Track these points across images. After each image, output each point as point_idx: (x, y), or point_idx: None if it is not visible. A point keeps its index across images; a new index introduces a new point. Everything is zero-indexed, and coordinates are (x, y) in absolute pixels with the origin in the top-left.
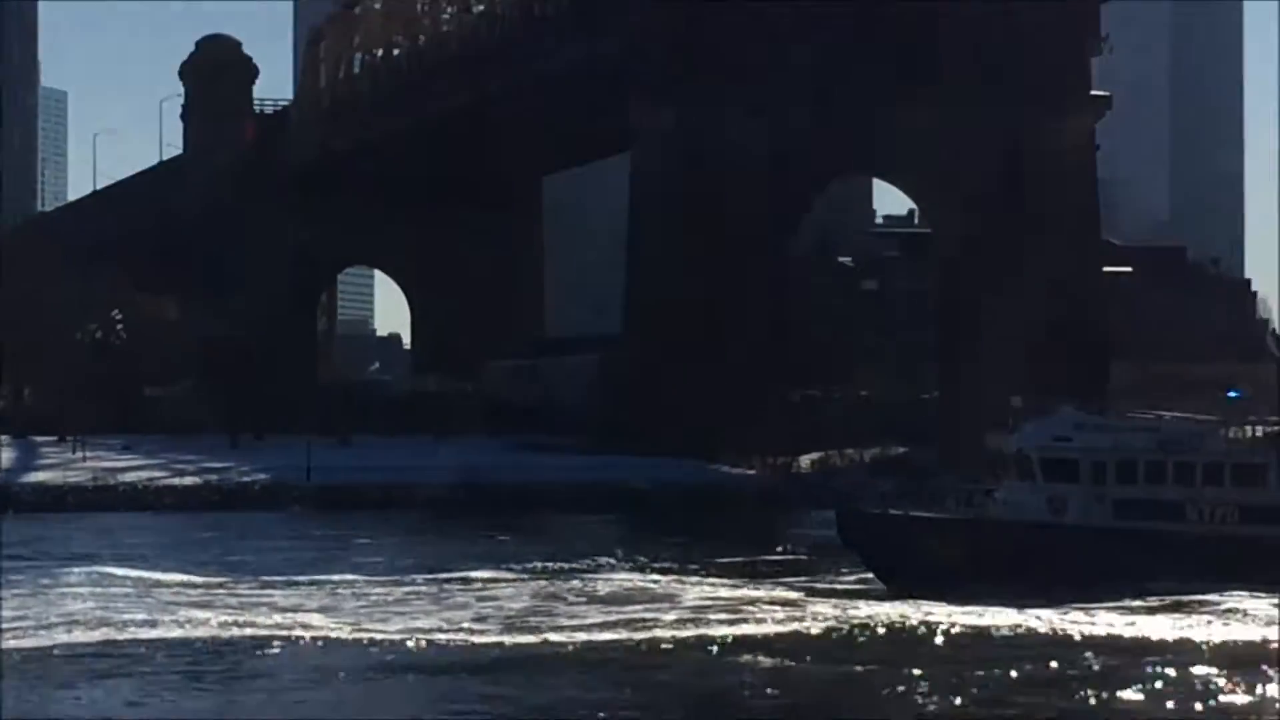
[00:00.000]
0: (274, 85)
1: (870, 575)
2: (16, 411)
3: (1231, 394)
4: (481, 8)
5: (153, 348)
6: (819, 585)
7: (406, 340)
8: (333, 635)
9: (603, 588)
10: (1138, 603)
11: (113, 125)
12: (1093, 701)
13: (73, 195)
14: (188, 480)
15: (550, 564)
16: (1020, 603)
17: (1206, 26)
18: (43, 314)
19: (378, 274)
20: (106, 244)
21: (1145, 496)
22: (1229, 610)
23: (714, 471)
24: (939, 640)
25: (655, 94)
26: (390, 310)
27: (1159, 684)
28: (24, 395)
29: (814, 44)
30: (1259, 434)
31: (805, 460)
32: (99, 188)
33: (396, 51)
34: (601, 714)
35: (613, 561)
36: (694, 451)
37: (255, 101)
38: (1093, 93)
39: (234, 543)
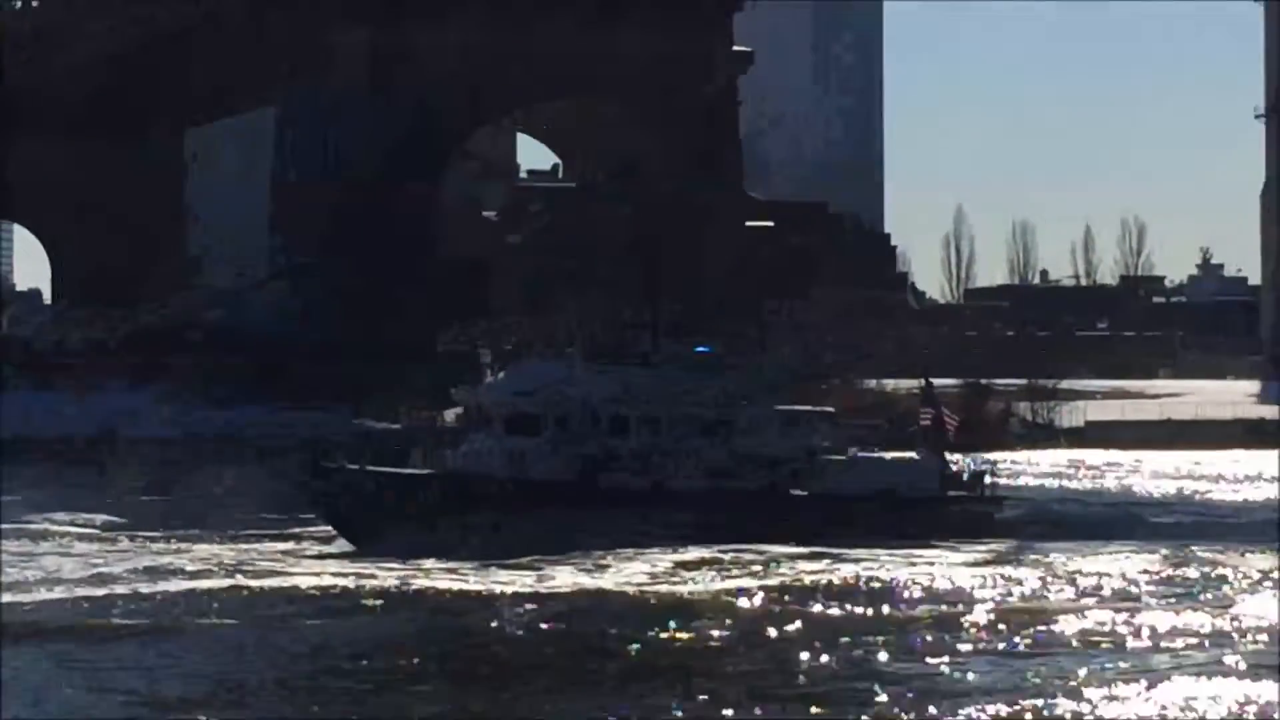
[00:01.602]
0: None
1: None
2: None
3: (700, 349)
4: None
5: None
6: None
7: (47, 294)
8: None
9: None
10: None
11: None
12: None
13: None
14: None
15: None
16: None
17: None
18: None
19: (17, 227)
20: None
21: (609, 451)
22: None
23: (357, 425)
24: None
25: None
26: (30, 264)
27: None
28: None
29: None
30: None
31: (450, 414)
32: None
33: None
34: None
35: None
36: (348, 403)
37: None
38: (735, 48)
39: None
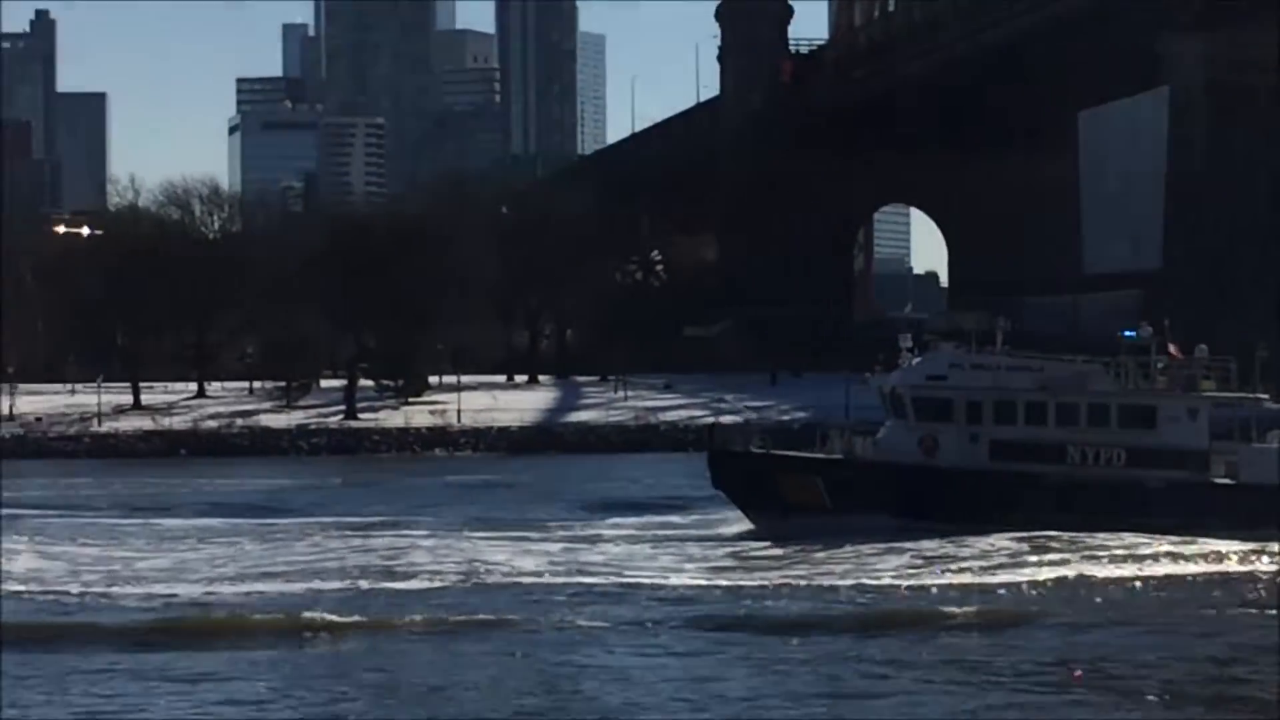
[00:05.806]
0: (809, 25)
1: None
2: (560, 351)
3: (1127, 333)
4: None
5: (690, 287)
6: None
7: (943, 278)
8: None
9: None
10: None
11: (650, 68)
12: None
13: (611, 138)
14: (727, 419)
15: None
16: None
17: None
18: (582, 255)
19: (914, 212)
20: (643, 186)
21: (1023, 438)
22: None
23: None
24: None
25: (1184, 22)
26: (928, 248)
27: None
28: (566, 336)
29: None
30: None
31: None
32: (637, 130)
33: None
34: None
35: None
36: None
37: (790, 42)
38: None
39: None
